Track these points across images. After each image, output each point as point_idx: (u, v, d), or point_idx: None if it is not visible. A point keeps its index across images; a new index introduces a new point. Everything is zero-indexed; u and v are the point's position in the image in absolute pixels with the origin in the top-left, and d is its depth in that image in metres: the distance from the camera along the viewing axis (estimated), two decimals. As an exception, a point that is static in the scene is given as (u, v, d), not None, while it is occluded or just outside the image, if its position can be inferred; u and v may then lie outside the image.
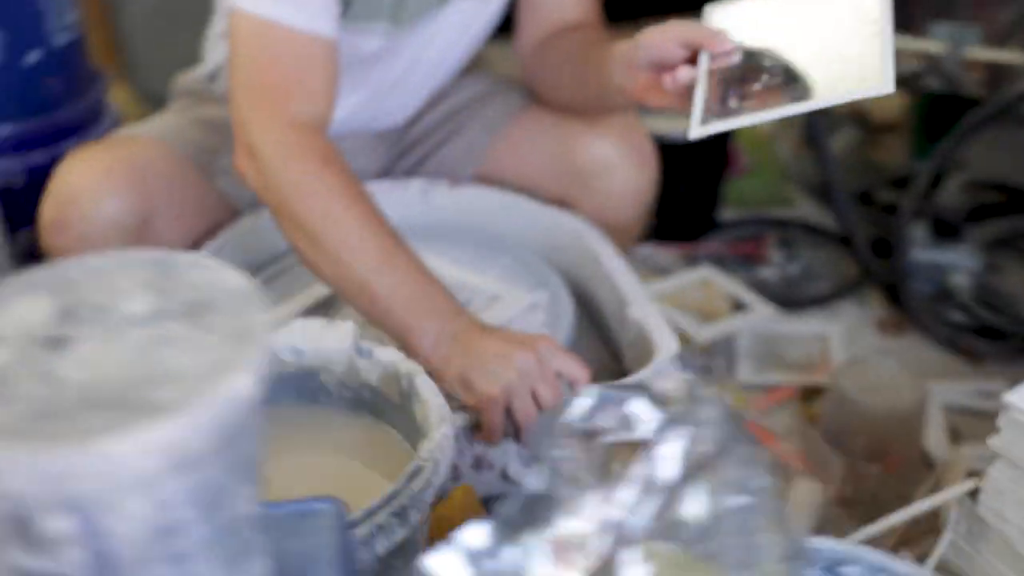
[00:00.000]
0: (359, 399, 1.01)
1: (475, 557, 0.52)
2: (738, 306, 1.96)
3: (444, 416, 0.90)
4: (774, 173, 2.35)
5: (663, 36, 1.13)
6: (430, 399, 0.92)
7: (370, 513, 0.79)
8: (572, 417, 0.58)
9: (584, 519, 0.54)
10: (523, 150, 1.48)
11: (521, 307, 1.35)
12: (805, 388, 1.77)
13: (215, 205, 1.45)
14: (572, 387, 1.10)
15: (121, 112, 2.07)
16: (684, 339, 1.86)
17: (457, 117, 1.53)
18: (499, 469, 1.17)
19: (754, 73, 1.06)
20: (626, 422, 0.57)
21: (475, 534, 0.53)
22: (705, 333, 1.87)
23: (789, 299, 1.97)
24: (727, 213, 2.23)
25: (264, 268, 1.47)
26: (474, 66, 1.58)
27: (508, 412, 1.08)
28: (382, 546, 0.79)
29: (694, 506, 0.56)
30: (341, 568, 0.66)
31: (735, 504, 0.57)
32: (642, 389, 0.58)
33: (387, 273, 1.14)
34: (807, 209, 2.27)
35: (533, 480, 0.54)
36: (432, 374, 1.02)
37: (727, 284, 1.99)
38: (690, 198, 2.13)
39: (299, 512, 0.70)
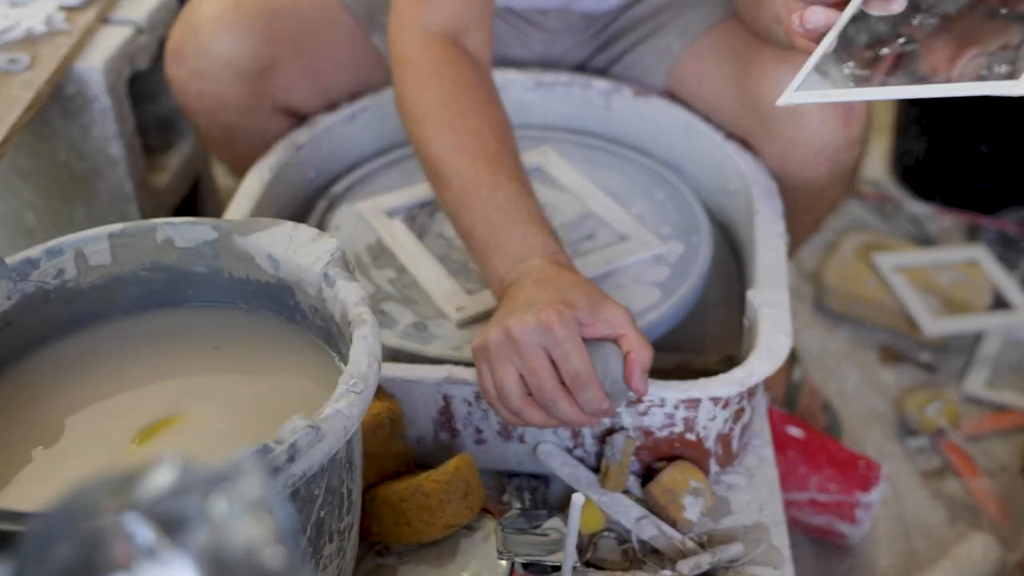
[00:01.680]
0: (328, 333, 0.85)
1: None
2: (1000, 303, 1.59)
3: (355, 384, 0.73)
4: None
5: None
6: (358, 357, 0.75)
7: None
8: (146, 493, 0.39)
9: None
10: (709, 70, 1.21)
11: (643, 256, 1.13)
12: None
13: (369, 62, 1.31)
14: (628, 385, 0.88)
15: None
16: (910, 327, 1.54)
17: (661, 15, 1.28)
18: (532, 444, 0.98)
19: (908, 29, 0.75)
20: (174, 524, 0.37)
21: None
22: (942, 326, 1.53)
23: (1070, 311, 1.57)
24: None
25: (403, 145, 1.32)
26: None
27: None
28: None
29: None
30: None
31: None
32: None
33: (469, 207, 0.99)
34: None
35: None
36: None
37: (997, 273, 1.61)
38: (992, 161, 1.74)
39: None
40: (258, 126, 1.29)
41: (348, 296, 0.81)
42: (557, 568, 0.87)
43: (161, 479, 0.39)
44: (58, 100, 1.39)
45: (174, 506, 0.37)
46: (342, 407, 0.71)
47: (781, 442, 1.23)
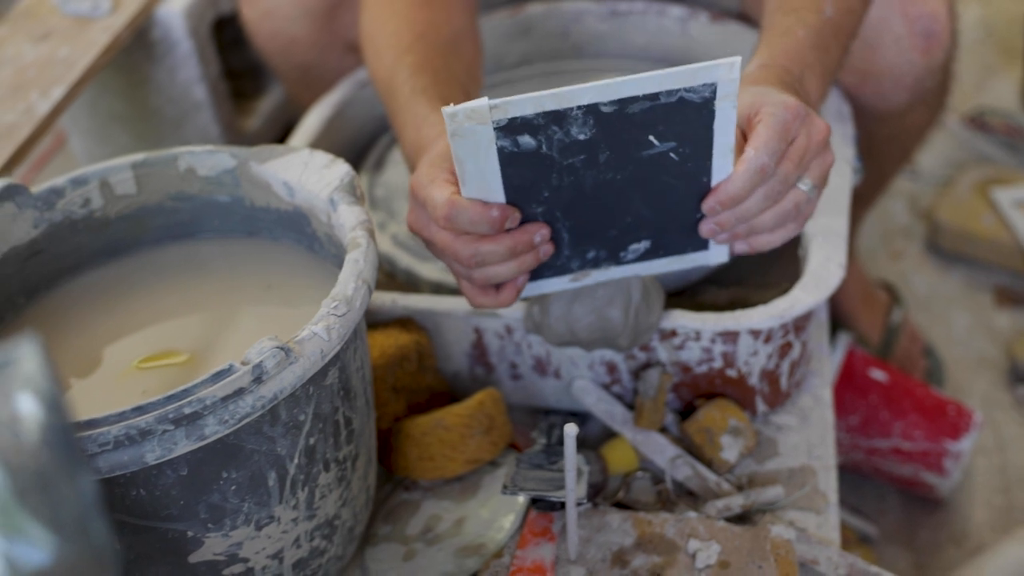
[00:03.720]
0: (341, 260, 0.83)
1: None
2: None
3: (337, 307, 0.70)
4: None
5: None
6: (345, 280, 0.72)
7: (121, 416, 0.63)
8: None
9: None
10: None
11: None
12: None
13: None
14: None
15: None
16: None
17: (738, -69, 1.21)
18: (567, 380, 0.94)
19: None
20: None
21: None
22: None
23: None
24: None
25: (487, 75, 1.29)
26: None
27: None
28: (152, 457, 0.64)
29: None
30: None
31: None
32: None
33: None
34: None
35: None
36: None
37: None
38: None
39: None
40: (332, 64, 1.28)
41: (347, 220, 0.79)
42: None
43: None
44: (144, 45, 1.41)
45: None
46: (319, 329, 0.69)
47: (862, 386, 1.15)
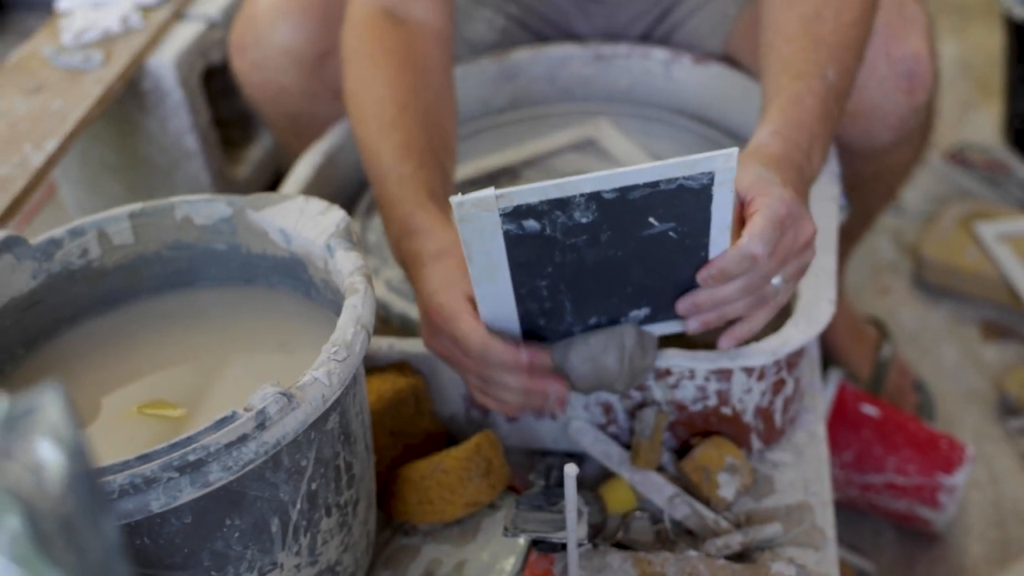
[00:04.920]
0: (338, 306, 0.84)
1: None
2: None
3: (337, 352, 0.71)
4: None
5: None
6: (344, 325, 0.73)
7: (126, 464, 0.64)
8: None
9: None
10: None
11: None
12: None
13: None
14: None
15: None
16: (1014, 300, 1.44)
17: (717, -23, 1.23)
18: (564, 422, 0.95)
19: None
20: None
21: None
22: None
23: None
24: None
25: (474, 119, 1.31)
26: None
27: None
28: (157, 505, 0.64)
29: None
30: None
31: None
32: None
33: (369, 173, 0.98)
34: None
35: None
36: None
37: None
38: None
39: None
40: (321, 112, 1.29)
41: (345, 265, 0.79)
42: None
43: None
44: (136, 96, 1.43)
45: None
46: (320, 375, 0.70)
47: (854, 421, 1.16)
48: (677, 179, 0.70)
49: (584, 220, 0.72)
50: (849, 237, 1.30)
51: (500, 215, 0.71)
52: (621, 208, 0.72)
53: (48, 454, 0.34)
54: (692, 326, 0.82)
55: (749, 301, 0.80)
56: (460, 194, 0.71)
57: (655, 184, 0.70)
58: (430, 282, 0.84)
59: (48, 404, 0.35)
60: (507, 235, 0.73)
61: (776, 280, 0.80)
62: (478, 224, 0.72)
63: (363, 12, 1.05)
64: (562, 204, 0.71)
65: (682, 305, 0.81)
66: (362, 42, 1.03)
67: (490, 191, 0.70)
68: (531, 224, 0.72)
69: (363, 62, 1.02)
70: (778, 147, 0.83)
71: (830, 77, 0.87)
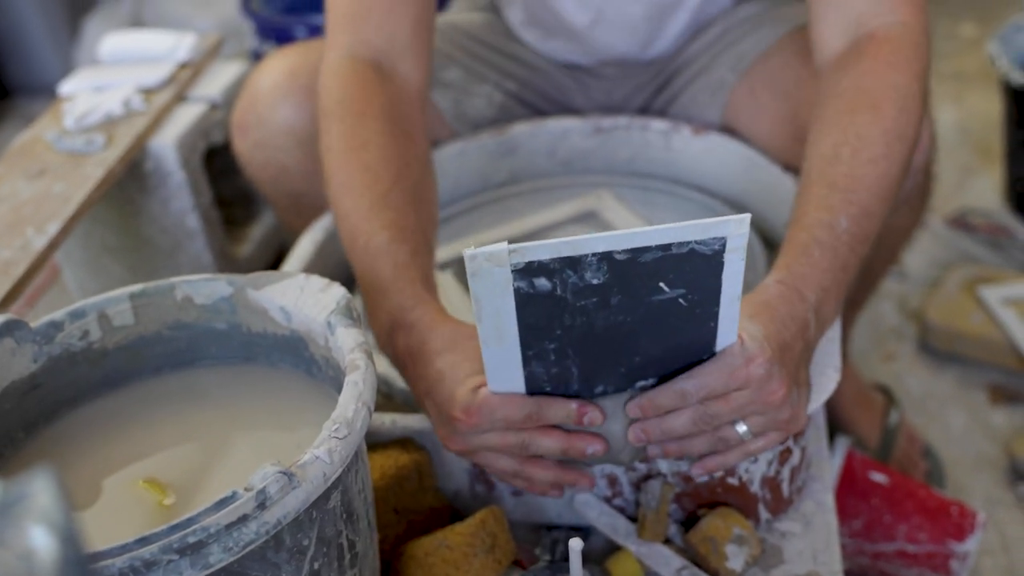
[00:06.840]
0: (339, 383, 0.83)
1: None
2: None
3: (338, 429, 0.70)
4: None
5: None
6: (345, 403, 0.73)
7: (125, 547, 0.63)
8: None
9: None
10: (763, 105, 1.17)
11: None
12: None
13: (428, 118, 1.31)
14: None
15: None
16: (1021, 364, 1.43)
17: (712, 48, 1.24)
18: (569, 495, 0.94)
19: None
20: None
21: None
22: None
23: None
24: None
25: (458, 200, 1.32)
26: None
27: None
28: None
29: None
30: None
31: None
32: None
33: (352, 253, 0.96)
34: None
35: None
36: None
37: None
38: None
39: None
40: (322, 191, 1.30)
41: (346, 342, 0.79)
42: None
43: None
44: (137, 177, 1.44)
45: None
46: (321, 453, 0.69)
47: (863, 489, 1.15)
48: (689, 243, 0.70)
49: (595, 281, 0.72)
50: (853, 303, 1.30)
51: (512, 271, 0.71)
52: (632, 271, 0.71)
53: (40, 540, 0.34)
54: (653, 452, 0.82)
55: (709, 439, 0.80)
56: (472, 247, 0.71)
57: (667, 247, 0.70)
58: (447, 383, 0.82)
59: (40, 490, 0.35)
60: (518, 293, 0.72)
61: (741, 428, 0.80)
62: (489, 280, 0.72)
63: (349, 62, 1.04)
64: (573, 263, 0.71)
65: (632, 433, 0.80)
66: (350, 96, 1.01)
67: (503, 245, 0.70)
68: (542, 283, 0.72)
69: (352, 120, 1.00)
70: (775, 297, 0.82)
71: (843, 225, 0.86)
